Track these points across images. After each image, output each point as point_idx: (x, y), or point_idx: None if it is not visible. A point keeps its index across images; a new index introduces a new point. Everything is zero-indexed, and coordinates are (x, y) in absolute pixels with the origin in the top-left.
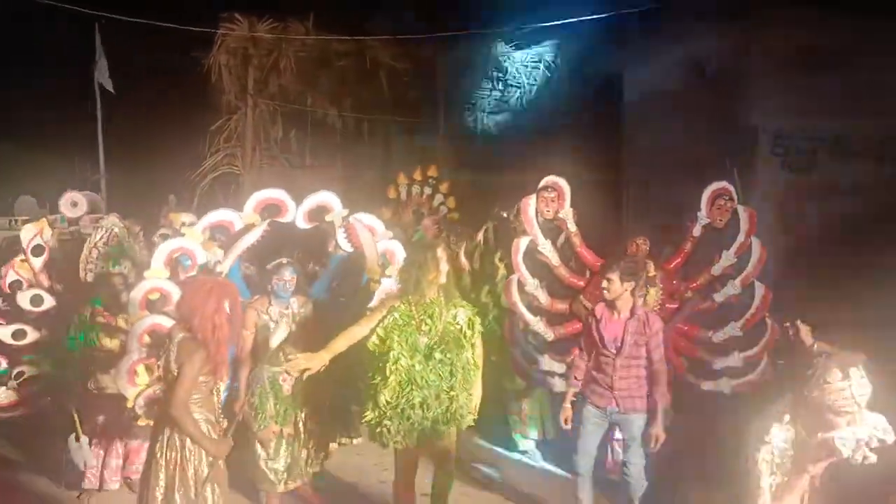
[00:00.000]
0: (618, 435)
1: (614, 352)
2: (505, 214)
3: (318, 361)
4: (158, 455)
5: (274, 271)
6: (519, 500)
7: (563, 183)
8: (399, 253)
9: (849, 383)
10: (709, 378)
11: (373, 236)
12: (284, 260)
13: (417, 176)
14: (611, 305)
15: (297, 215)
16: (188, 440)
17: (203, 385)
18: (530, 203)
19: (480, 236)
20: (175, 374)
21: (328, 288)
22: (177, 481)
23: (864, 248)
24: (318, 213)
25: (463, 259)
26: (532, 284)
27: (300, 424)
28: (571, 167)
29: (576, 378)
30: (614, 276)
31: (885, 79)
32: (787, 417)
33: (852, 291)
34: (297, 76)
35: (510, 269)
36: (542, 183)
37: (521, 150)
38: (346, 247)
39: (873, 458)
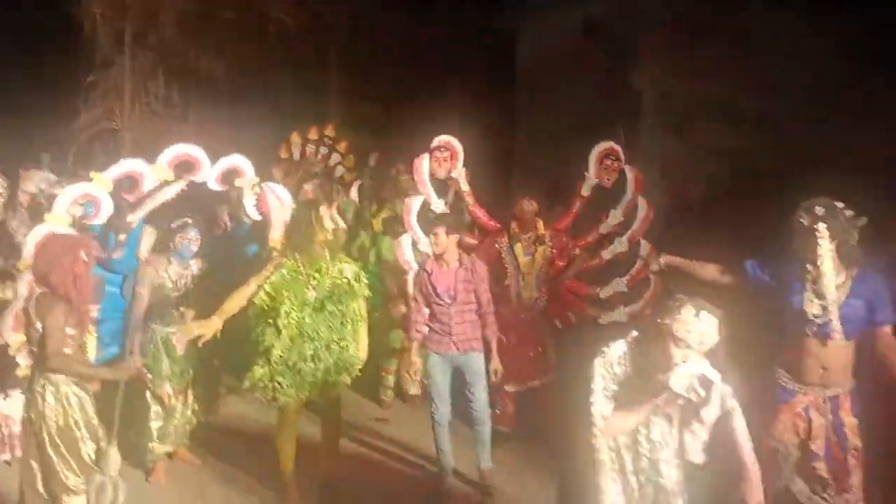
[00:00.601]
0: None
1: (449, 301)
2: (395, 172)
3: (210, 327)
4: (24, 415)
5: (178, 230)
6: (402, 453)
7: (455, 143)
8: None
9: (698, 321)
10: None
11: (282, 207)
12: (189, 220)
13: (312, 135)
14: (439, 258)
15: (210, 176)
16: (51, 401)
17: (70, 339)
18: (423, 162)
19: (354, 193)
20: (40, 330)
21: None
22: (38, 441)
23: (741, 209)
24: (231, 175)
25: (336, 216)
26: (425, 243)
27: (188, 387)
28: (464, 127)
29: (417, 331)
30: (440, 231)
31: (765, 45)
32: (633, 333)
33: (731, 250)
34: (179, 28)
35: (386, 225)
36: (435, 142)
37: (415, 109)
38: (255, 214)
39: (702, 392)
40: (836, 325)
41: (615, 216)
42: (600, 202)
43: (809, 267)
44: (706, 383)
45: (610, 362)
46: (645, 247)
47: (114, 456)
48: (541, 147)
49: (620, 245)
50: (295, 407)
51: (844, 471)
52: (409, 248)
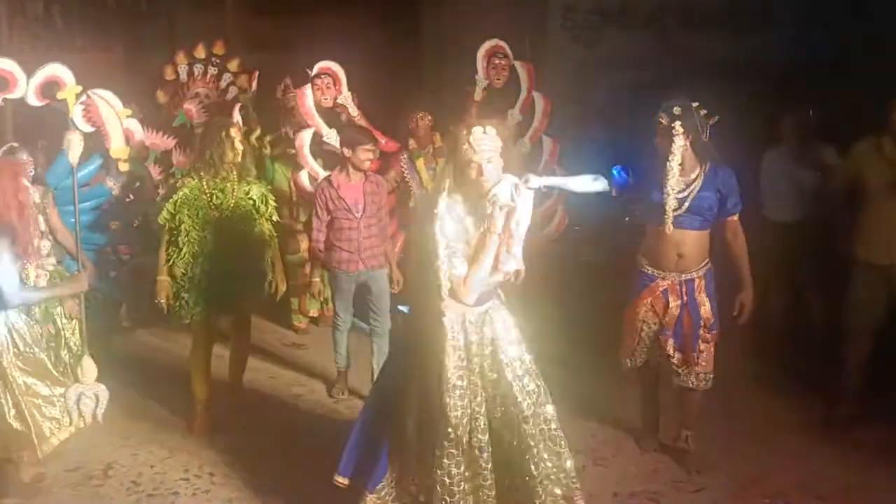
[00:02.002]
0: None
1: (358, 214)
2: (280, 92)
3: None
4: None
5: (7, 155)
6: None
7: (335, 67)
8: (138, 132)
9: (486, 136)
10: None
11: (116, 115)
12: (16, 144)
13: (199, 54)
14: (350, 172)
15: (28, 91)
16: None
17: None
18: (306, 94)
19: (236, 116)
20: None
21: (69, 173)
22: None
23: (645, 116)
24: (51, 88)
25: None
26: (324, 176)
27: (60, 321)
28: (367, 42)
29: (319, 250)
30: (370, 146)
31: None
32: (448, 182)
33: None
34: None
35: (272, 147)
36: (315, 71)
37: (314, 25)
38: (84, 126)
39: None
40: (688, 216)
41: (513, 116)
42: (496, 106)
43: (667, 163)
44: (517, 186)
45: (443, 222)
46: (548, 143)
47: (88, 364)
48: (448, 61)
49: (523, 146)
50: (207, 325)
51: (694, 347)
52: (308, 182)
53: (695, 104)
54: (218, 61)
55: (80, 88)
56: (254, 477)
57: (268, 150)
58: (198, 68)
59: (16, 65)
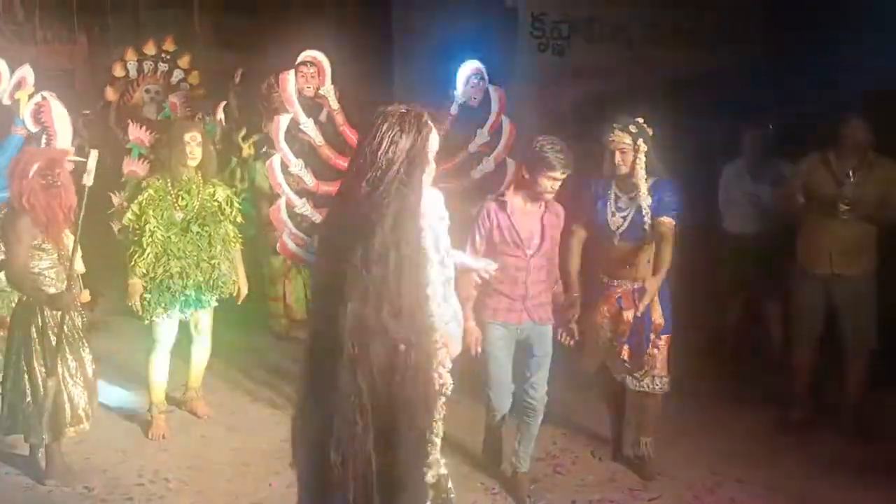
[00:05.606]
0: None
1: (531, 252)
2: (266, 88)
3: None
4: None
5: None
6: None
7: (322, 58)
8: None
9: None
10: None
11: (66, 115)
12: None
13: (150, 50)
14: (534, 198)
15: (7, 91)
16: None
17: (45, 254)
18: (289, 79)
19: (220, 113)
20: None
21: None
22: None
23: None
24: (17, 88)
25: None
26: (296, 165)
27: None
28: (338, 44)
29: (473, 289)
30: (562, 174)
31: None
32: None
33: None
34: None
35: (257, 148)
36: (301, 58)
37: (286, 25)
38: (32, 126)
39: None
40: (631, 230)
41: (482, 135)
42: (468, 122)
43: (612, 183)
44: None
45: None
46: (511, 165)
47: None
48: (417, 65)
49: (488, 164)
50: (169, 326)
51: (648, 353)
52: (279, 170)
53: (639, 121)
54: (168, 57)
55: (32, 89)
56: (210, 483)
57: (252, 151)
58: (147, 65)
59: (4, 63)
